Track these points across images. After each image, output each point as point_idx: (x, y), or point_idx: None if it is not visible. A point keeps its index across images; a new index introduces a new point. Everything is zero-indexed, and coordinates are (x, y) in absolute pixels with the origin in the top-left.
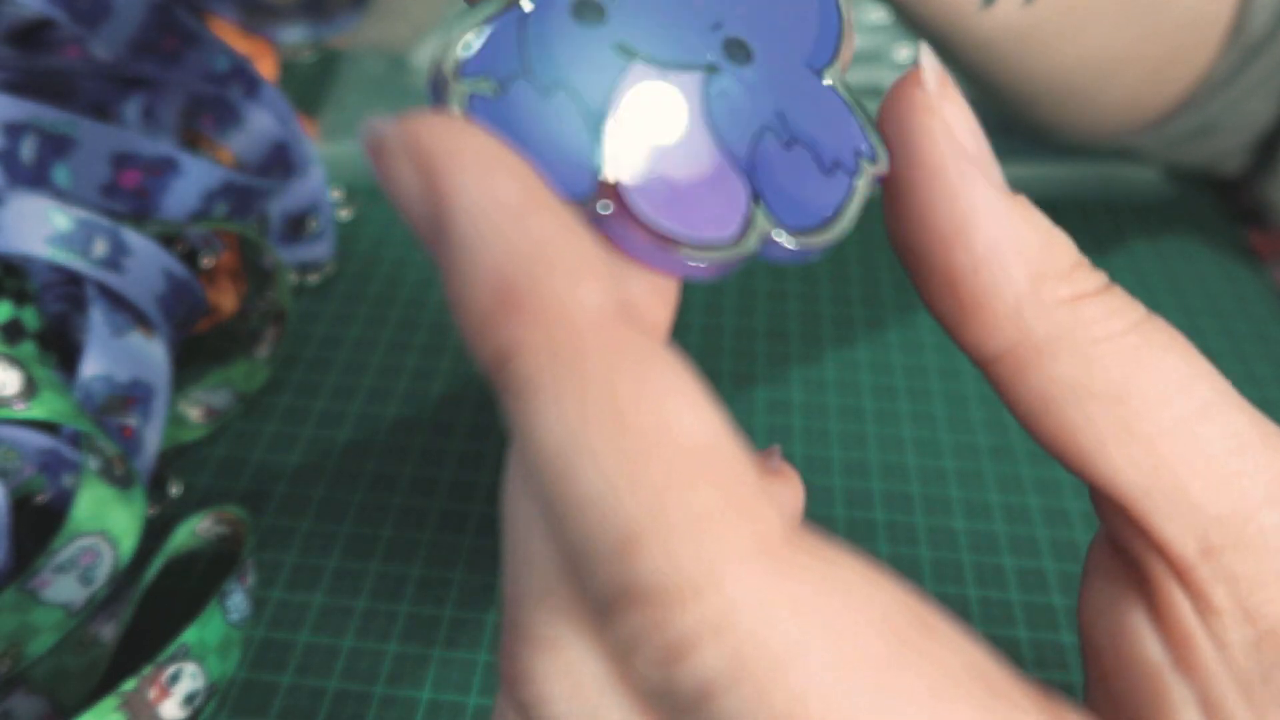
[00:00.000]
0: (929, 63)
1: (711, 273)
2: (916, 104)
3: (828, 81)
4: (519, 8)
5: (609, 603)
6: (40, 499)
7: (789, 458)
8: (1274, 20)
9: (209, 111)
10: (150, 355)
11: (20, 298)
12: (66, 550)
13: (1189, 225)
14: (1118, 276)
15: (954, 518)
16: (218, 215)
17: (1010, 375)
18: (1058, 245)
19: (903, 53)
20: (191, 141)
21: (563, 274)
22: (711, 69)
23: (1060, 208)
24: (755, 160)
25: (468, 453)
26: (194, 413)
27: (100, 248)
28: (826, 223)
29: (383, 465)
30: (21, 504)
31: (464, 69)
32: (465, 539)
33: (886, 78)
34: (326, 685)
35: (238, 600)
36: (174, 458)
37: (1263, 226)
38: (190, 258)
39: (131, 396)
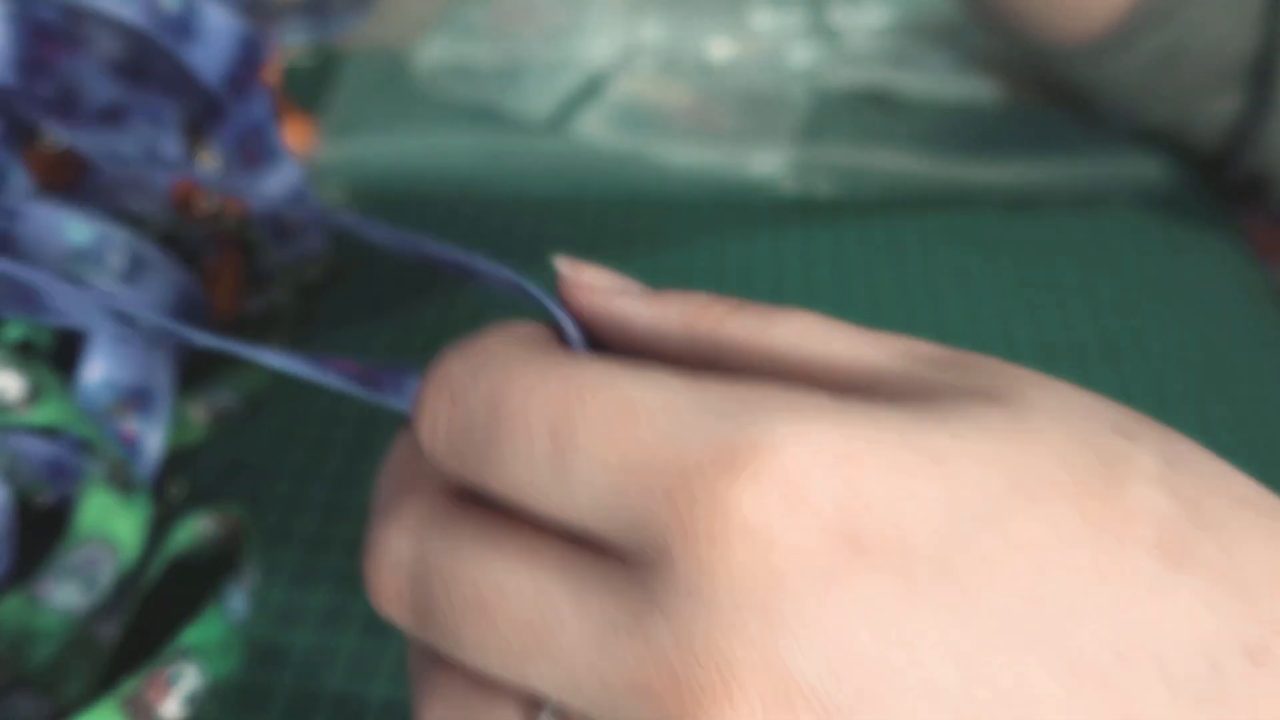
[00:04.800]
0: (562, 260)
1: None
2: (565, 286)
3: None
4: None
5: None
6: (41, 500)
7: None
8: None
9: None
10: (152, 359)
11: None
12: (70, 556)
13: (1189, 224)
14: (1119, 277)
15: None
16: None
17: None
18: (693, 300)
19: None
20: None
21: None
22: None
23: (1060, 208)
24: None
25: None
26: (196, 414)
27: (116, 260)
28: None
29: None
30: (23, 507)
31: None
32: None
33: (896, 79)
34: (326, 686)
35: (238, 600)
36: (176, 459)
37: (1262, 207)
38: (191, 259)
39: (134, 400)
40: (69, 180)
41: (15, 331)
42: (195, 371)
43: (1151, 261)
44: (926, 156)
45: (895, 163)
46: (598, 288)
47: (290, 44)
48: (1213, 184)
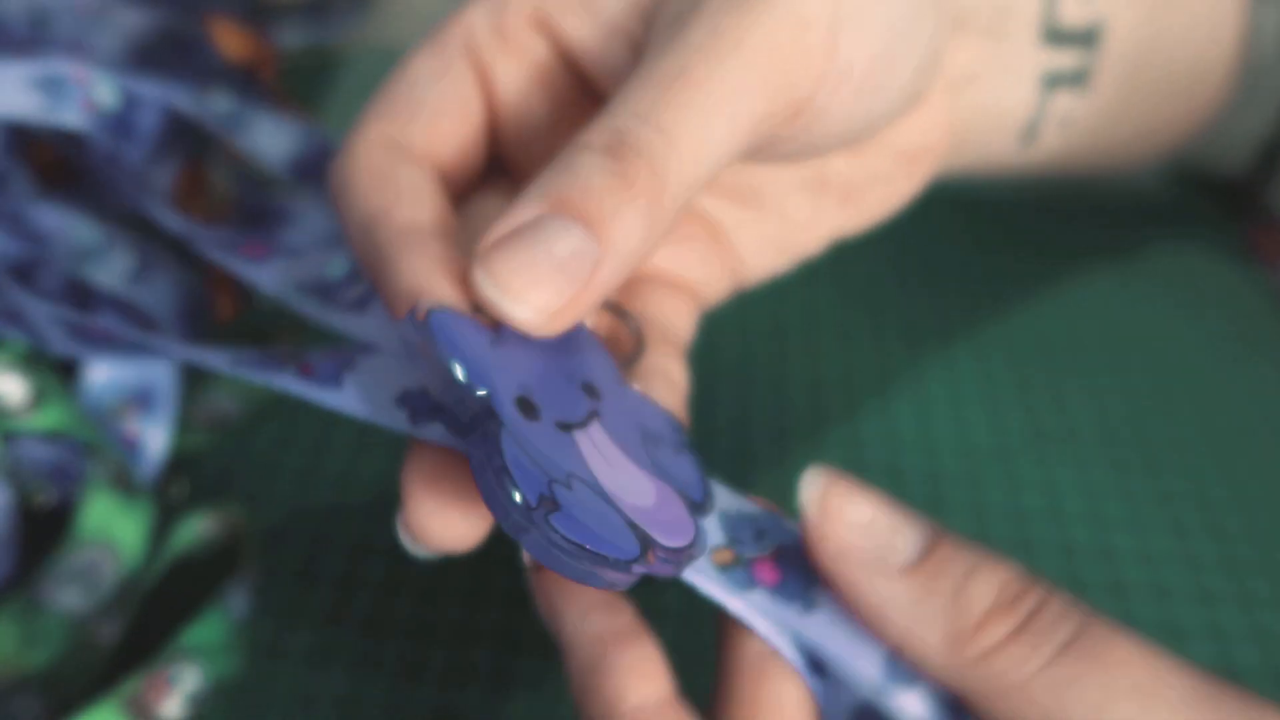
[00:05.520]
0: (807, 496)
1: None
2: (810, 539)
3: (626, 384)
4: (502, 430)
5: None
6: (41, 500)
7: (786, 458)
8: (1277, 48)
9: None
10: (155, 361)
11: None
12: (71, 559)
13: (1189, 226)
14: (1118, 278)
15: (952, 519)
16: None
17: (978, 713)
18: (968, 599)
19: None
20: (188, 190)
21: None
22: (595, 414)
23: (1059, 208)
24: (658, 466)
25: None
26: (201, 420)
27: (123, 261)
28: (708, 486)
29: (384, 465)
30: (24, 510)
31: (526, 500)
32: None
33: None
34: (327, 686)
35: (238, 600)
36: (177, 461)
37: (1265, 223)
38: (193, 258)
39: (137, 401)
40: (71, 179)
41: (23, 345)
42: (197, 376)
43: (1151, 262)
44: None
45: None
46: (856, 552)
47: (290, 44)
48: (1211, 187)
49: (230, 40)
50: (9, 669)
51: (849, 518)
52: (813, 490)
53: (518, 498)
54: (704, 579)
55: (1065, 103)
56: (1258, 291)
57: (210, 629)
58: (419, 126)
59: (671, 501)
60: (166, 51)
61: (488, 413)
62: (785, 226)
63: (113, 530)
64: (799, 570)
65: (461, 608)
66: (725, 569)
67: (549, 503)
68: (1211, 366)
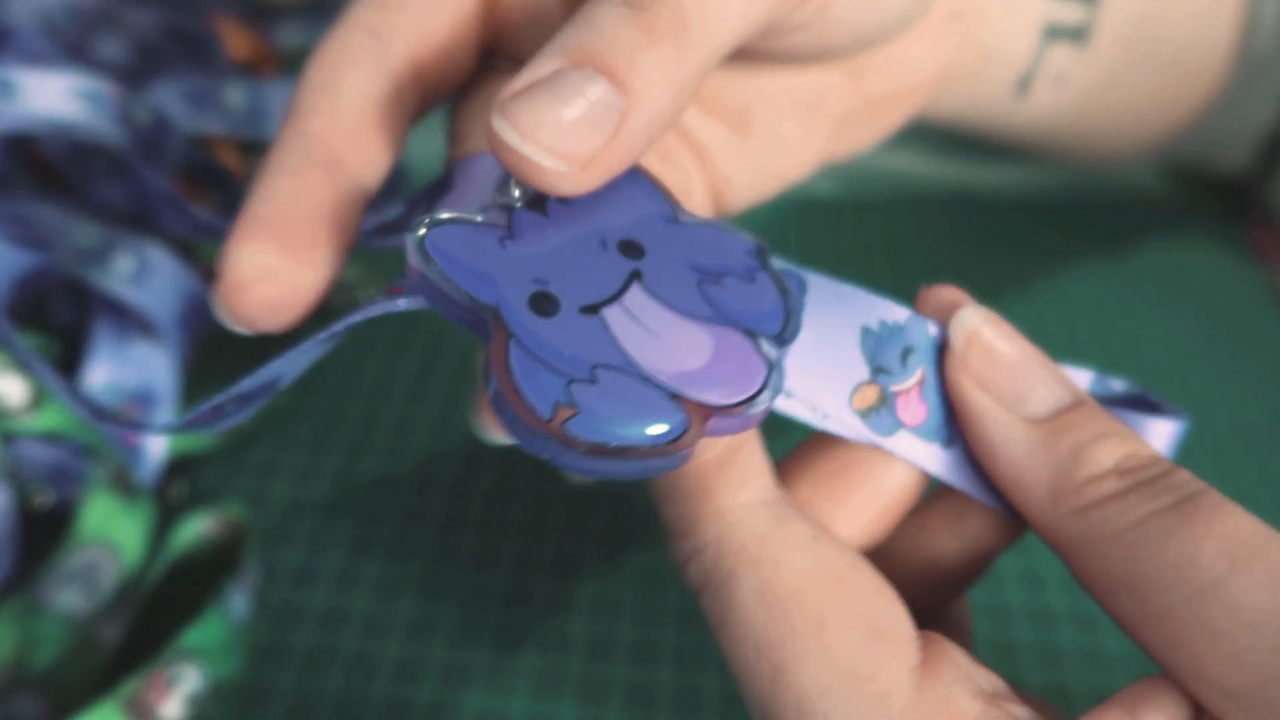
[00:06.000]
0: (956, 330)
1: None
2: (951, 364)
3: (685, 220)
4: (510, 341)
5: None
6: (40, 501)
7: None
8: (1277, 38)
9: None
10: (155, 362)
11: (42, 328)
12: (72, 560)
13: (1189, 225)
14: (1118, 277)
15: None
16: None
17: (1065, 564)
18: (1085, 459)
19: None
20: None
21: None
22: (636, 275)
23: (1060, 208)
24: (720, 310)
25: (467, 453)
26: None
27: (123, 263)
28: (791, 309)
29: (382, 466)
30: (25, 511)
31: (539, 414)
32: (466, 539)
33: None
34: (327, 686)
35: (238, 601)
36: (179, 463)
37: (1265, 223)
38: (194, 258)
39: (137, 403)
40: (65, 186)
41: (26, 344)
42: (211, 381)
43: (1151, 261)
44: (926, 156)
45: (895, 163)
46: (993, 387)
47: (290, 44)
48: (1211, 185)
49: (233, 40)
50: (9, 669)
51: (998, 350)
52: (968, 322)
53: (529, 413)
54: (846, 429)
55: (1062, 57)
56: (1258, 291)
57: (210, 630)
58: (407, 16)
59: (734, 347)
60: (174, 50)
61: (498, 322)
62: (775, 151)
63: (113, 531)
64: (945, 400)
65: (460, 607)
66: (868, 414)
67: (566, 409)
68: (1211, 366)
